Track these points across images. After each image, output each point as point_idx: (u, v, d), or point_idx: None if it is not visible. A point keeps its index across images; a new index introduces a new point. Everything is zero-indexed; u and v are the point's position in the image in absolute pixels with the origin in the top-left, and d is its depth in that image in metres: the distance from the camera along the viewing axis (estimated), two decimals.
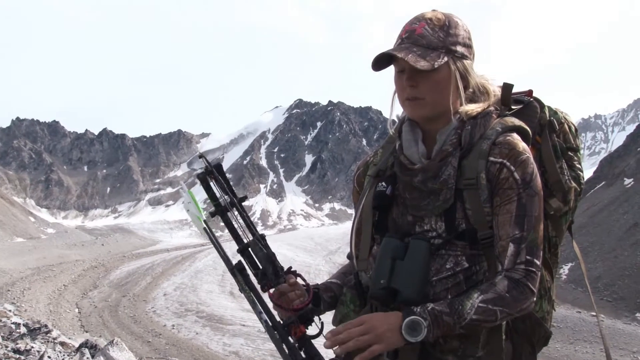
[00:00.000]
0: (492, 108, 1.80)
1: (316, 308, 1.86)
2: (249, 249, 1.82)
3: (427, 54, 1.68)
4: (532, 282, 1.63)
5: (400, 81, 1.75)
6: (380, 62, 1.74)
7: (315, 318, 1.79)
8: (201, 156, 1.91)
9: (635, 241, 30.71)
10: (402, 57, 1.66)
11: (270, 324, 1.68)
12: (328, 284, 2.00)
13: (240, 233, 1.84)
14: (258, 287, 1.80)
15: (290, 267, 1.89)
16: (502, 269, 1.64)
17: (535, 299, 1.65)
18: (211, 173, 1.83)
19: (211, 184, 1.85)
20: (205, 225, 1.86)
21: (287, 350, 1.64)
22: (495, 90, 1.87)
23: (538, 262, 1.65)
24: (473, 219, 1.69)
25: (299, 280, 1.85)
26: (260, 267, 1.80)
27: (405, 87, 1.73)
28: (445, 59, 1.70)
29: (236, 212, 1.86)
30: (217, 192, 1.84)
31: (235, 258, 1.77)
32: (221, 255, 1.79)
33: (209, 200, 1.89)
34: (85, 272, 38.60)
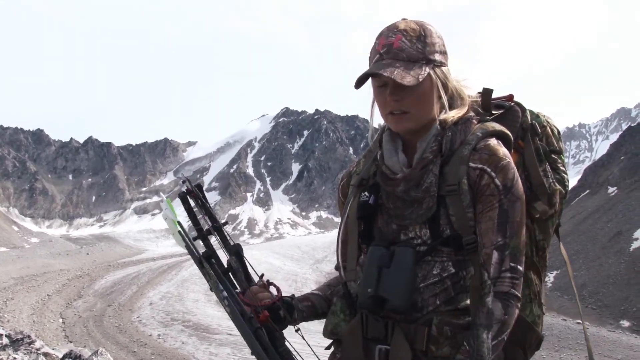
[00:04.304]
0: (472, 114, 1.80)
1: (281, 316, 1.86)
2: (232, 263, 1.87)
3: (410, 68, 1.67)
4: (518, 290, 1.65)
5: (382, 96, 1.73)
6: (362, 79, 1.73)
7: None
8: (184, 181, 1.97)
9: (620, 249, 31.02)
10: (389, 75, 1.64)
11: (232, 306, 1.72)
12: (306, 294, 2.00)
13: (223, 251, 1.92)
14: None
15: (263, 275, 1.92)
16: (488, 277, 1.65)
17: (520, 303, 1.66)
18: (192, 192, 1.88)
19: (192, 204, 1.90)
20: (180, 229, 1.90)
21: (250, 333, 1.68)
22: (471, 93, 1.88)
23: (521, 268, 1.66)
24: (457, 224, 1.69)
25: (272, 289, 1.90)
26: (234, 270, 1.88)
27: (388, 101, 1.71)
28: (427, 70, 1.69)
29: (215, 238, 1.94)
30: (200, 213, 1.90)
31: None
32: (190, 250, 1.84)
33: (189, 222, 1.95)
34: (69, 281, 38.24)
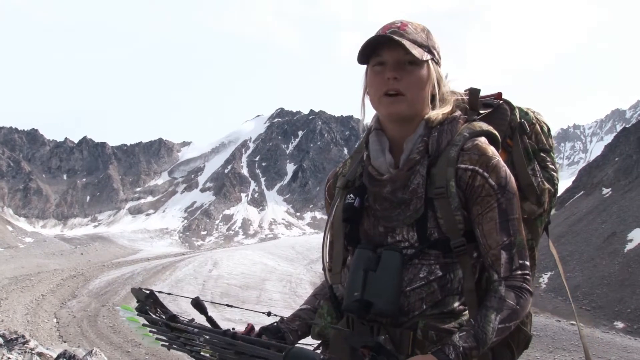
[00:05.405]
0: (458, 113, 1.79)
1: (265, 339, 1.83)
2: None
3: (415, 47, 1.68)
4: (530, 285, 1.66)
5: (379, 76, 1.72)
6: (366, 52, 1.72)
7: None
8: (138, 300, 1.98)
9: (614, 250, 31.09)
10: (398, 39, 1.65)
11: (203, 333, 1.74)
12: (296, 313, 1.98)
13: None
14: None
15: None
16: (499, 277, 1.65)
17: (532, 297, 1.67)
18: (150, 298, 1.92)
19: (151, 313, 1.92)
20: (143, 320, 1.92)
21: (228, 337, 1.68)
22: (458, 95, 1.87)
23: (529, 263, 1.67)
24: (445, 227, 1.67)
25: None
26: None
27: (386, 80, 1.70)
28: (429, 57, 1.71)
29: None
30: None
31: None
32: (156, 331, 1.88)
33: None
34: (64, 281, 38.12)
